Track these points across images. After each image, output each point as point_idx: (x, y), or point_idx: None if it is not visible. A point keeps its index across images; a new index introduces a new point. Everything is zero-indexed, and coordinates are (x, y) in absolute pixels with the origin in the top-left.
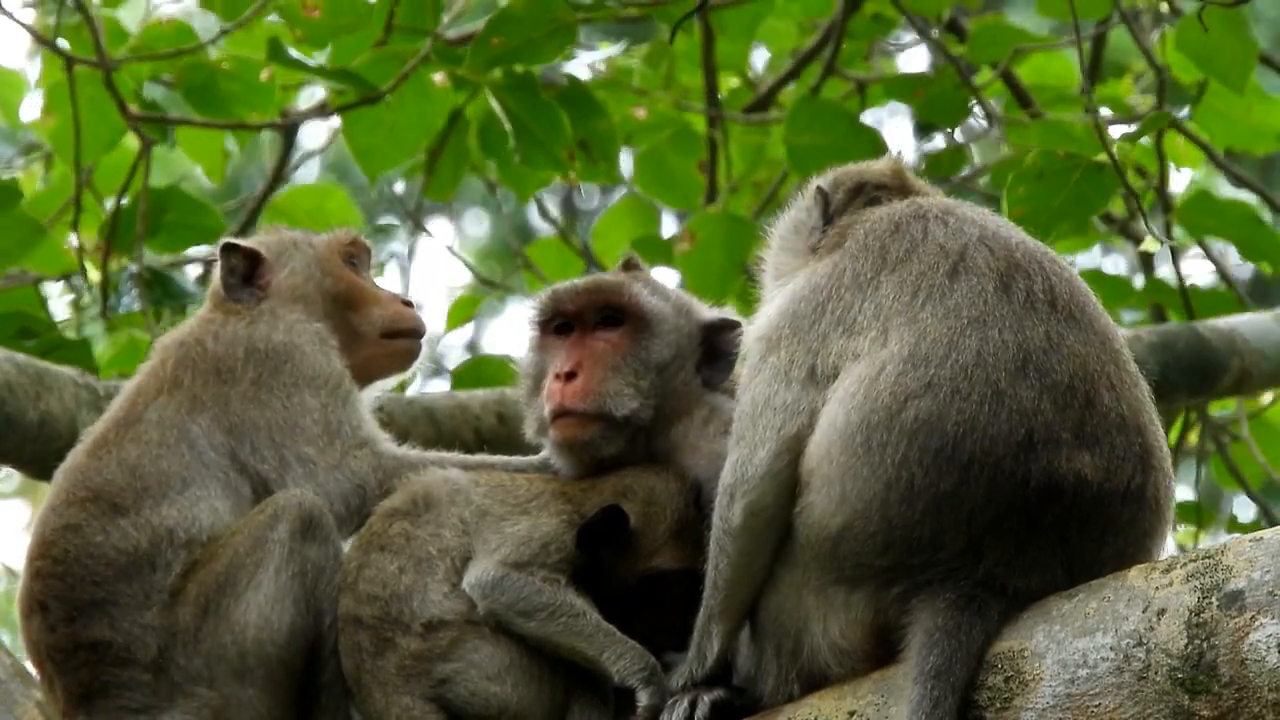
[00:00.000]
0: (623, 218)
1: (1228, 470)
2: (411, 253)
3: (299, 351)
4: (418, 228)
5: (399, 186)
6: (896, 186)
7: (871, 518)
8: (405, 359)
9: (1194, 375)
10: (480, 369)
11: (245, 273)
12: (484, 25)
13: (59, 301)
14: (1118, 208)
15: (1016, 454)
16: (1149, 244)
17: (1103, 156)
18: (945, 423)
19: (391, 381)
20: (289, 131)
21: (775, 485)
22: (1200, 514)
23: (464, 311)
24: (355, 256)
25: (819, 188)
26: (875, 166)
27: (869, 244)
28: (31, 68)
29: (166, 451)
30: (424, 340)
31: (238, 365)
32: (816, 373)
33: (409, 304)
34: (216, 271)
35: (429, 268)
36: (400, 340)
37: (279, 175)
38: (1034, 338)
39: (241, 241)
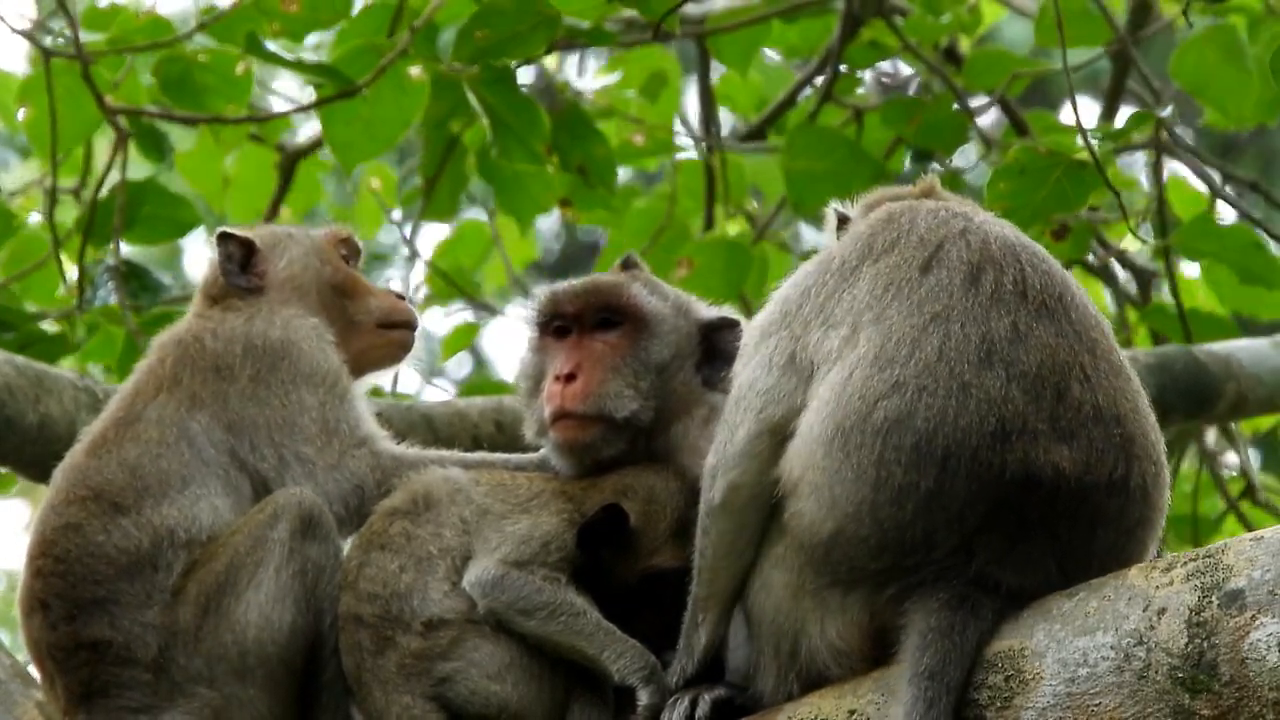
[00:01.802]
0: None
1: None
2: (407, 282)
3: (296, 348)
4: (413, 255)
5: (396, 214)
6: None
7: (863, 521)
8: (400, 350)
9: (1190, 398)
10: (482, 389)
11: (241, 261)
12: (468, 19)
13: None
14: (1118, 233)
15: (991, 444)
16: (1131, 242)
17: (1084, 155)
18: (915, 419)
19: (384, 376)
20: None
21: (754, 464)
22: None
23: (462, 340)
24: (348, 254)
25: (834, 209)
26: (908, 189)
27: (860, 233)
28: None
29: (166, 450)
30: (416, 334)
31: (236, 362)
32: (796, 359)
33: (402, 298)
34: (206, 268)
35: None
36: (396, 331)
37: (290, 173)
38: (999, 329)
39: (237, 230)
